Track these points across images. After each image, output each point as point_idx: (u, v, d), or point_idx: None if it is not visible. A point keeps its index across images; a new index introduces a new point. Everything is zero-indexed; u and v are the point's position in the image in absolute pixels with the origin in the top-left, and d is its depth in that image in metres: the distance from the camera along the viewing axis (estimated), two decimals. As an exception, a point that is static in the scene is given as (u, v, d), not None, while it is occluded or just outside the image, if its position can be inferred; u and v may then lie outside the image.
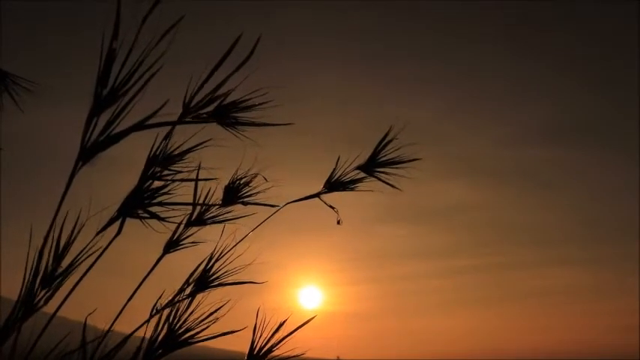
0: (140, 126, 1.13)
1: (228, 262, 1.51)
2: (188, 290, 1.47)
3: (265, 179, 1.53)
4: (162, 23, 1.09)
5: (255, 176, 1.53)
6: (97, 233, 1.22)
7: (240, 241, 1.50)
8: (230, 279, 1.51)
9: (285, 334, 1.41)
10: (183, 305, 1.40)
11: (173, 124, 1.18)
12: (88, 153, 1.11)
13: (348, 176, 1.65)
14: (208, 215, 1.51)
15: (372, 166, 1.66)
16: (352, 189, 1.66)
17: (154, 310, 1.40)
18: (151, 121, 1.13)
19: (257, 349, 1.41)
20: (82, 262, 1.22)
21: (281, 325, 1.41)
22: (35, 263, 1.18)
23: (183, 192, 1.30)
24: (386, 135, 1.64)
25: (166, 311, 1.38)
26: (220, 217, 1.52)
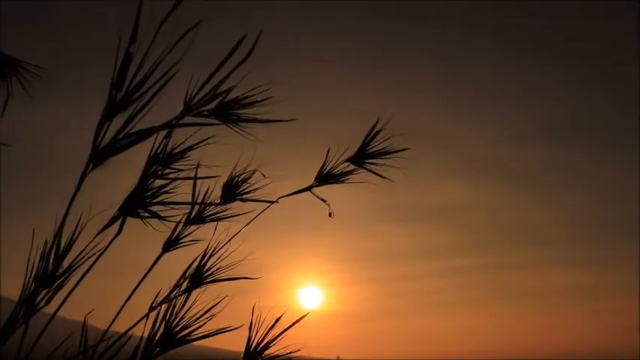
0: (157, 128, 1.12)
1: (222, 258, 1.51)
2: (184, 286, 1.46)
3: (264, 176, 1.52)
4: (177, 26, 1.08)
5: (254, 173, 1.52)
6: (98, 233, 1.21)
7: (233, 237, 1.50)
8: (224, 275, 1.50)
9: (281, 330, 1.42)
10: (179, 302, 1.39)
11: (177, 126, 1.17)
12: (99, 156, 1.09)
13: (338, 169, 1.65)
14: (207, 213, 1.50)
15: (361, 158, 1.66)
16: (343, 181, 1.66)
17: (152, 307, 1.39)
18: (157, 124, 1.12)
19: (253, 345, 1.41)
20: (83, 262, 1.21)
21: (276, 321, 1.41)
22: (37, 264, 1.17)
23: (183, 190, 1.29)
24: (374, 126, 1.64)
25: (163, 310, 1.37)
26: (219, 214, 1.51)
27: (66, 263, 1.19)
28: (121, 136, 1.10)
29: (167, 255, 1.45)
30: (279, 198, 1.55)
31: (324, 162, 1.64)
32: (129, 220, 1.24)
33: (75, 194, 1.11)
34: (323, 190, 1.61)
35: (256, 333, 1.42)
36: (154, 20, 1.08)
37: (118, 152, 1.10)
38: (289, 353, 1.41)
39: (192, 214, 1.49)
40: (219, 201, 1.51)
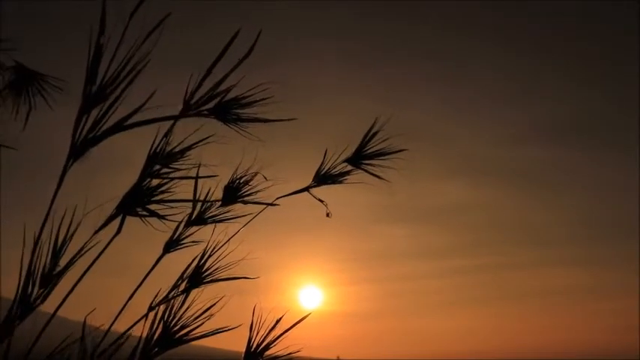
0: (129, 125, 1.11)
1: (221, 258, 1.50)
2: (182, 287, 1.45)
3: (265, 178, 1.52)
4: (150, 22, 1.08)
5: (255, 175, 1.52)
6: (96, 232, 1.20)
7: (232, 237, 1.49)
8: (223, 275, 1.50)
9: (282, 331, 1.41)
10: (177, 302, 1.38)
11: (162, 119, 1.16)
12: (78, 150, 1.09)
13: (336, 169, 1.65)
14: (209, 214, 1.50)
15: (359, 159, 1.66)
16: (341, 182, 1.66)
17: (151, 307, 1.38)
18: (147, 118, 1.12)
19: (254, 346, 1.41)
20: (78, 259, 1.20)
21: (277, 322, 1.41)
22: (33, 262, 1.16)
23: (183, 190, 1.29)
24: (371, 127, 1.64)
25: (162, 309, 1.37)
26: (221, 216, 1.50)
27: (63, 261, 1.18)
28: (97, 127, 1.10)
29: (168, 255, 1.45)
30: (278, 198, 1.55)
31: (322, 163, 1.64)
32: (132, 221, 1.24)
33: (57, 189, 1.11)
34: (323, 191, 1.61)
35: (257, 333, 1.41)
36: (142, 20, 1.08)
37: (96, 143, 1.10)
38: (289, 354, 1.41)
39: (194, 215, 1.48)
40: (219, 201, 1.51)
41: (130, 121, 1.12)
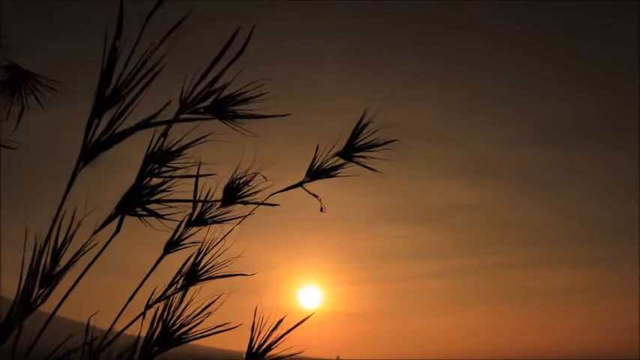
0: (143, 125, 1.11)
1: (217, 255, 1.50)
2: (179, 284, 1.45)
3: (265, 178, 1.52)
4: (164, 23, 1.07)
5: (255, 175, 1.52)
6: (95, 232, 1.20)
7: (227, 234, 1.49)
8: (220, 272, 1.50)
9: (283, 332, 1.41)
10: (176, 300, 1.38)
11: (173, 121, 1.16)
12: (89, 153, 1.09)
13: (328, 163, 1.65)
14: (209, 215, 1.50)
15: (350, 152, 1.66)
16: (333, 176, 1.66)
17: (147, 305, 1.38)
18: (153, 120, 1.12)
19: (255, 347, 1.41)
20: (78, 259, 1.20)
21: (279, 323, 1.41)
22: (35, 262, 1.16)
23: (181, 190, 1.29)
24: (361, 119, 1.64)
25: (160, 308, 1.36)
26: (221, 216, 1.50)
27: (63, 262, 1.18)
28: (111, 131, 1.09)
29: (168, 255, 1.44)
30: (271, 195, 1.55)
31: (314, 157, 1.64)
32: (132, 221, 1.23)
33: (67, 192, 1.10)
34: (323, 191, 1.62)
35: (258, 334, 1.41)
36: (141, 17, 1.08)
37: (109, 147, 1.09)
38: (291, 355, 1.41)
39: (194, 216, 1.48)
40: (218, 202, 1.50)
41: (127, 124, 1.12)
